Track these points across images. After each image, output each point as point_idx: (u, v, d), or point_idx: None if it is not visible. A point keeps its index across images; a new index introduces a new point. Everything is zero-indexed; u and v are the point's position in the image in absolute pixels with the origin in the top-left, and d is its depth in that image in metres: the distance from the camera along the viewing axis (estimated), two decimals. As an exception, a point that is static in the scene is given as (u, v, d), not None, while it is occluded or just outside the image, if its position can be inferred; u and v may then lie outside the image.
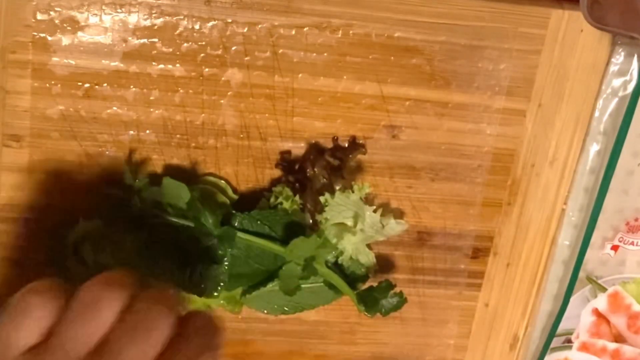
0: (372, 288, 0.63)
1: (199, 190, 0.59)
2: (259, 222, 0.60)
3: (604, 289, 0.70)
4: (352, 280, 0.63)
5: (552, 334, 0.70)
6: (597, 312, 0.71)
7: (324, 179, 0.60)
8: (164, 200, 0.58)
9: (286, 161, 0.61)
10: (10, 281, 0.62)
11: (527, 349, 0.71)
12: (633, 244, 0.69)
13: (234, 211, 0.60)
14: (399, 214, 0.64)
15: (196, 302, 0.62)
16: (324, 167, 0.60)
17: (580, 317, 0.71)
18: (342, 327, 0.68)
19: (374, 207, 0.61)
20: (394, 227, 0.62)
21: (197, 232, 0.58)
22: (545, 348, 0.71)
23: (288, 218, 0.60)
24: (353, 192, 0.60)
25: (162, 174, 0.60)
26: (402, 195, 0.64)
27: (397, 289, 0.63)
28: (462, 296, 0.68)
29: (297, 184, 0.60)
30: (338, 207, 0.60)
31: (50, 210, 0.60)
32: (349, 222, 0.61)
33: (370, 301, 0.63)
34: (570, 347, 0.72)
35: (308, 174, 0.60)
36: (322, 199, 0.60)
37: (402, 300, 0.63)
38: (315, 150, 0.61)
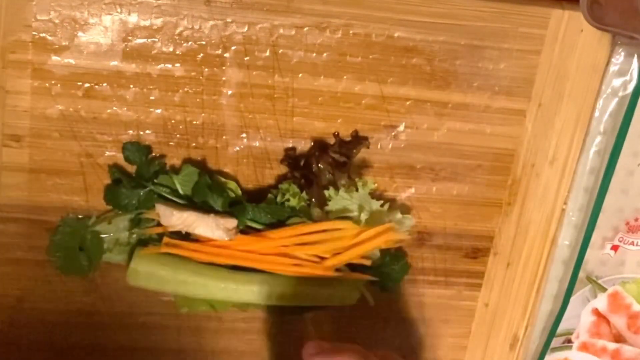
0: (377, 266, 0.63)
1: (210, 177, 0.59)
2: (268, 215, 0.60)
3: (604, 289, 0.70)
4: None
5: (552, 334, 0.70)
6: (597, 312, 0.71)
7: (330, 175, 0.60)
8: (177, 186, 0.59)
9: (291, 157, 0.61)
10: (10, 281, 0.62)
11: (527, 349, 0.71)
12: (633, 244, 0.69)
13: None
14: (406, 209, 0.64)
15: (202, 304, 0.62)
16: (329, 162, 0.60)
17: (580, 317, 0.71)
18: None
19: (381, 201, 0.61)
20: (402, 221, 0.62)
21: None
22: (545, 348, 0.71)
23: (295, 215, 0.60)
24: (357, 190, 0.61)
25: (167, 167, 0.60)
26: (402, 195, 0.64)
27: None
28: (462, 296, 0.68)
29: (302, 180, 0.60)
30: (343, 201, 0.60)
31: (50, 210, 0.60)
32: (354, 214, 0.61)
33: (382, 277, 0.63)
34: (570, 347, 0.72)
35: (314, 170, 0.60)
36: (326, 193, 0.60)
37: (405, 264, 0.64)
38: (320, 146, 0.61)
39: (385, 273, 0.63)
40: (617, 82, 0.63)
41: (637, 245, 0.69)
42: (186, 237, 0.60)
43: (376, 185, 0.63)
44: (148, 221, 0.60)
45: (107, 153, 0.59)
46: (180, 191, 0.59)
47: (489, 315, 0.69)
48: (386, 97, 0.61)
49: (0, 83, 0.57)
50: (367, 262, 0.62)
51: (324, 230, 0.61)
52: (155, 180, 0.59)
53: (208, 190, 0.59)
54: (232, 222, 0.58)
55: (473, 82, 0.61)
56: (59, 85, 0.57)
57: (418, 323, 0.69)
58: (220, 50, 0.58)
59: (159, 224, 0.59)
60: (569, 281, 0.68)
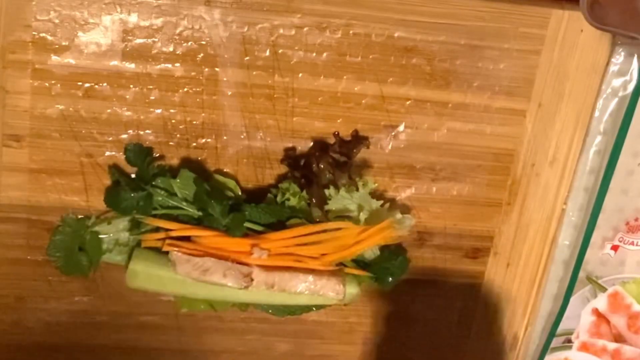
0: (377, 261, 0.63)
1: (208, 184, 0.59)
2: (268, 215, 0.60)
3: (604, 289, 0.70)
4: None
5: (552, 334, 0.70)
6: (597, 312, 0.71)
7: (330, 174, 0.60)
8: (175, 190, 0.59)
9: (291, 157, 0.61)
10: (10, 281, 0.62)
11: (527, 349, 0.71)
12: (633, 244, 0.69)
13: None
14: (406, 209, 0.64)
15: (202, 304, 0.62)
16: (329, 162, 0.60)
17: (580, 317, 0.71)
18: (342, 327, 0.68)
19: (381, 201, 0.61)
20: (402, 221, 0.62)
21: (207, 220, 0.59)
22: (545, 348, 0.71)
23: (295, 214, 0.60)
24: (357, 190, 0.61)
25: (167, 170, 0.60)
26: (402, 195, 0.64)
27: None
28: (462, 296, 0.68)
29: (303, 180, 0.60)
30: (343, 200, 0.60)
31: (50, 210, 0.60)
32: (353, 213, 0.61)
33: (380, 273, 0.63)
34: (570, 347, 0.72)
35: (314, 170, 0.60)
36: (326, 192, 0.60)
37: (404, 258, 0.64)
38: (320, 146, 0.61)
39: (384, 268, 0.63)
40: (617, 82, 0.63)
41: (637, 245, 0.69)
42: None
43: (377, 185, 0.63)
44: (147, 224, 0.60)
45: (107, 153, 0.60)
46: (179, 194, 0.59)
47: (489, 316, 0.69)
48: (386, 97, 0.61)
49: (0, 83, 0.57)
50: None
51: (324, 231, 0.61)
52: (153, 183, 0.59)
53: (207, 198, 0.58)
54: (247, 269, 0.59)
55: (473, 82, 0.61)
56: (59, 85, 0.57)
57: (418, 323, 0.69)
58: (221, 50, 0.58)
59: (158, 229, 0.59)
60: (569, 281, 0.68)
